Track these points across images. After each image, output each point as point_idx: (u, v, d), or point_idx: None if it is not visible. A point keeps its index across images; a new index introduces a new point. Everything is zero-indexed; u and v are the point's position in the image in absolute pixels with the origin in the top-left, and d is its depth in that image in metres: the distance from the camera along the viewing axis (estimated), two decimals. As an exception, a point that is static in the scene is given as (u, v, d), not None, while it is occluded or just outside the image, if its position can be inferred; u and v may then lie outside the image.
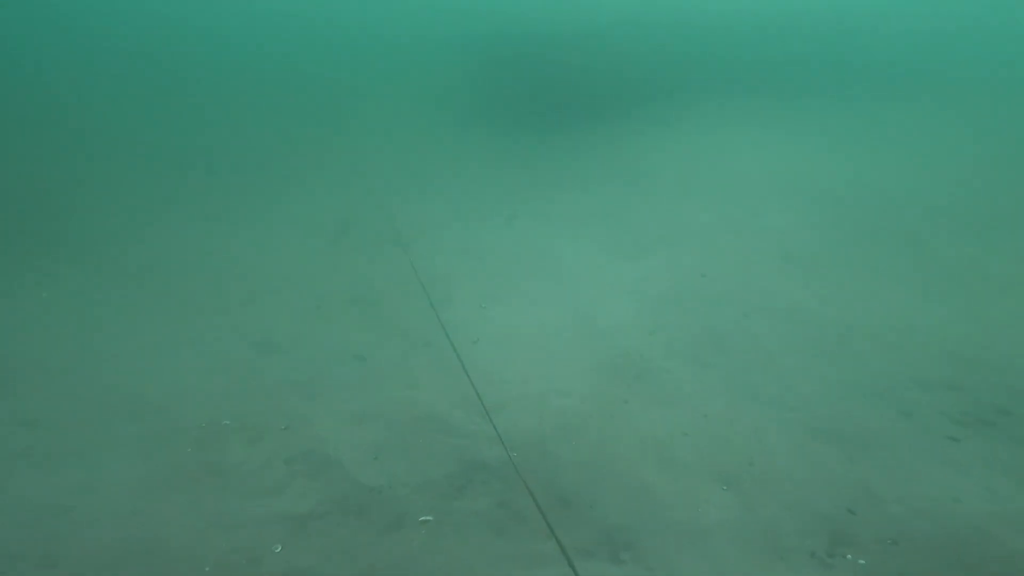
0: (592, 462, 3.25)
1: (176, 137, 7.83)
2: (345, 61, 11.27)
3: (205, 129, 8.17)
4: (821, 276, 4.96)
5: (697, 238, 5.55)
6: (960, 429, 3.42)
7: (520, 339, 4.30)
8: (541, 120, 8.73)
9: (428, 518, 2.94)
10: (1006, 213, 5.65)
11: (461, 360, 4.08)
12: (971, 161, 6.68)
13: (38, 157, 7.02)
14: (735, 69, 10.21)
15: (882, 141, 7.41)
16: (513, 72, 10.31)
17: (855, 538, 2.76)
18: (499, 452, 3.35)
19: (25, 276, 5.01)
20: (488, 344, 4.26)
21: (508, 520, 2.91)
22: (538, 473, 3.18)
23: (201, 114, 8.61)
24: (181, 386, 3.86)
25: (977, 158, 6.74)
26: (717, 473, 3.14)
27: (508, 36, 11.44)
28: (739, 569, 2.64)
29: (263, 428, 3.57)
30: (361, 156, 7.63)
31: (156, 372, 3.98)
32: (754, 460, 3.23)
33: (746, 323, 4.40)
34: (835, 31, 11.68)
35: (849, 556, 2.66)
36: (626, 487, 3.08)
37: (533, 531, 2.85)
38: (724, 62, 10.46)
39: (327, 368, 4.05)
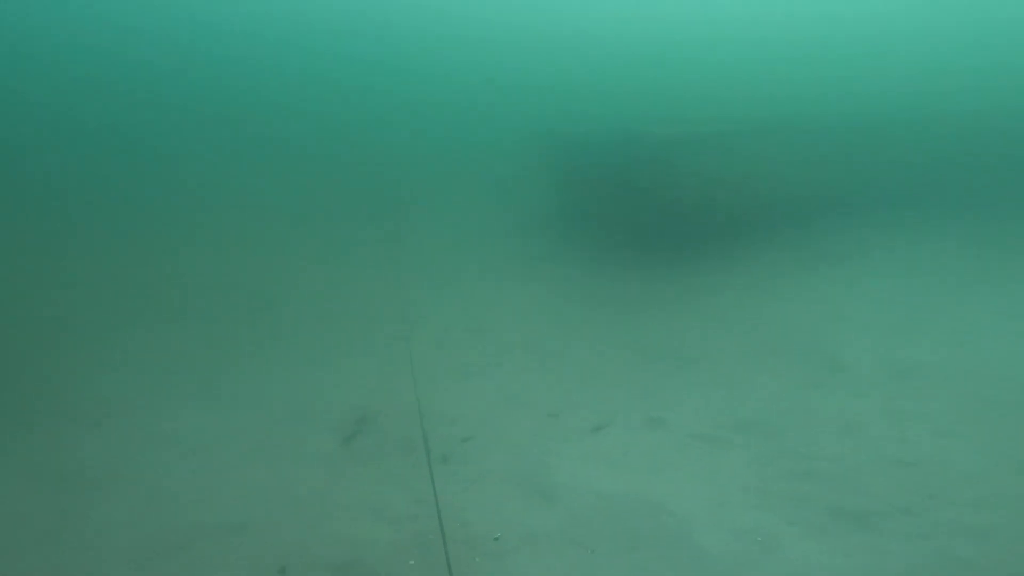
0: None
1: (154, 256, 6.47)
2: (401, 162, 9.75)
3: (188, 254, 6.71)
4: None
5: (975, 501, 3.25)
6: None
7: None
8: (648, 257, 6.80)
9: None
10: None
11: None
12: None
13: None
14: (923, 180, 7.88)
15: None
16: (610, 186, 8.08)
17: None
18: None
19: None
20: None
21: None
22: None
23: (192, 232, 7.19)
24: None
25: None
26: None
27: (606, 138, 8.68)
28: None
29: None
30: (399, 306, 5.94)
31: None
32: None
33: None
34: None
35: None
36: None
37: None
38: (903, 168, 8.00)
39: None
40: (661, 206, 7.37)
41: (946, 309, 5.43)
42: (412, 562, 2.97)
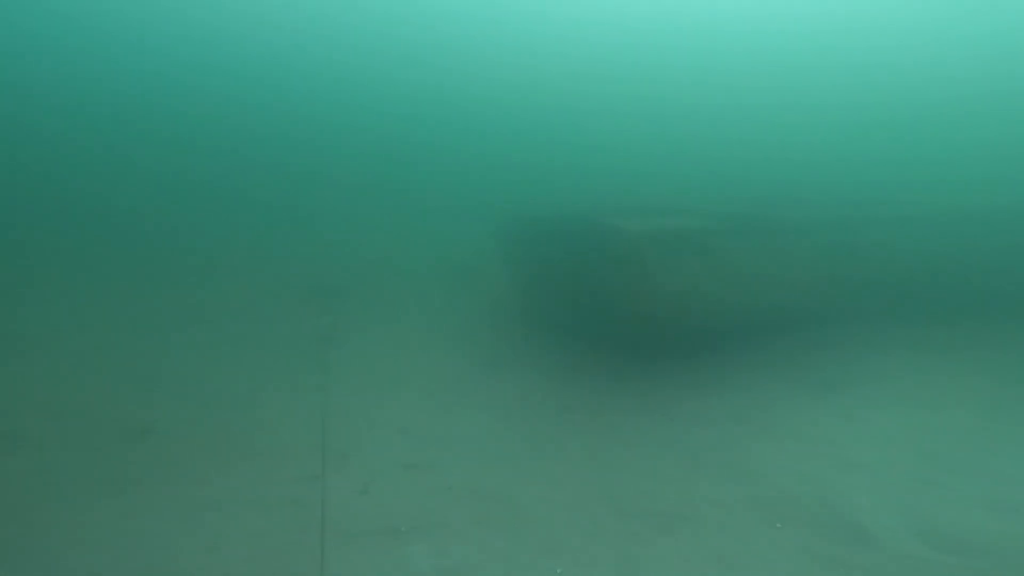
0: None
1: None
2: (345, 245, 8.58)
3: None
4: None
5: None
6: None
7: None
8: (618, 376, 5.81)
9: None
10: None
11: None
12: None
13: None
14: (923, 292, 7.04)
15: None
16: (576, 288, 7.24)
17: None
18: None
19: None
20: None
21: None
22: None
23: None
24: None
25: None
26: None
27: (573, 231, 7.67)
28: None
29: None
30: (316, 432, 4.78)
31: None
32: None
33: None
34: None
35: None
36: None
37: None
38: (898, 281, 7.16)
39: None
40: (633, 314, 6.57)
41: (974, 456, 4.65)
42: None
